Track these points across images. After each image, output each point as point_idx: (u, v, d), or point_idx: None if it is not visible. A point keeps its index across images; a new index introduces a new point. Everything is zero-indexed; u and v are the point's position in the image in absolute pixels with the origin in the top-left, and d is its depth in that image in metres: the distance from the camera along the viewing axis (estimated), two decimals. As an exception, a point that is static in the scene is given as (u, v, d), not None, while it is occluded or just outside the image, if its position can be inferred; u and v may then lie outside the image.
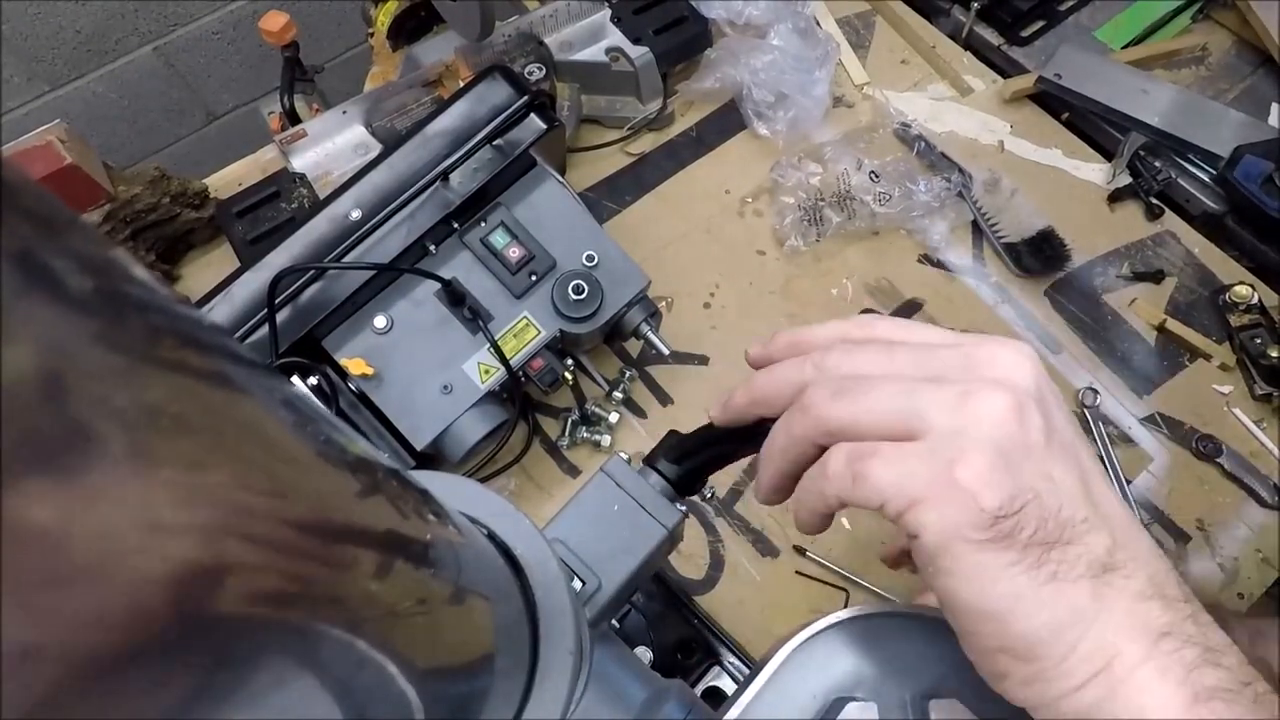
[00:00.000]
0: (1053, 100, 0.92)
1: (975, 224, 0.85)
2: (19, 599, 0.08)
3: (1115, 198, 0.86)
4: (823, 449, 0.28)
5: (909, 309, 0.81)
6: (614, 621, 0.60)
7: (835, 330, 0.30)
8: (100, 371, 0.09)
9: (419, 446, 0.62)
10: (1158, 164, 0.87)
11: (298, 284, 0.60)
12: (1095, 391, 0.77)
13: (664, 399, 0.76)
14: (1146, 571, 0.25)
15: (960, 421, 0.25)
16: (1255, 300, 0.79)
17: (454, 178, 0.64)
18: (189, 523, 0.10)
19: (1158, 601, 0.25)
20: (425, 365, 0.63)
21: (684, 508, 0.37)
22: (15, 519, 0.08)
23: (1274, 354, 0.76)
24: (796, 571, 0.69)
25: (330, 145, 0.79)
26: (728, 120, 0.90)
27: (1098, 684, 0.24)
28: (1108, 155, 0.89)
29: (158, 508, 0.10)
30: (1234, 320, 0.79)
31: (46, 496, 0.08)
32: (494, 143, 0.65)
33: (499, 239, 0.65)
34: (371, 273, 0.61)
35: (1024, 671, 0.25)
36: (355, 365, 0.61)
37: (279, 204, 0.75)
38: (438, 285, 0.63)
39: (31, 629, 0.08)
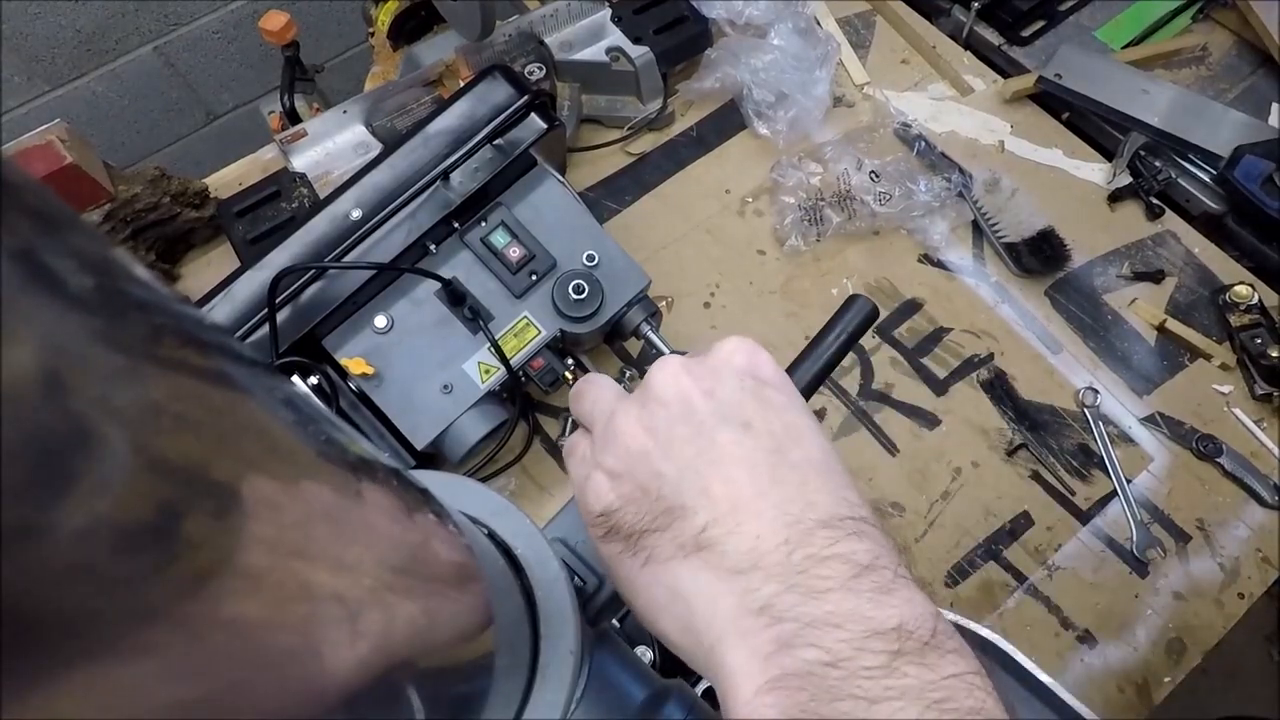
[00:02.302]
0: (1053, 100, 0.92)
1: (975, 224, 0.85)
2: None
3: (1115, 197, 0.86)
4: None
5: (909, 309, 0.81)
6: (614, 621, 0.60)
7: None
8: (101, 370, 0.09)
9: (419, 446, 0.62)
10: (1158, 164, 0.87)
11: (298, 283, 0.60)
12: (1095, 391, 0.77)
13: (664, 399, 0.76)
14: (746, 545, 0.26)
15: (603, 435, 0.30)
16: (1255, 300, 0.79)
17: (454, 177, 0.64)
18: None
19: (756, 574, 0.25)
20: (426, 365, 0.63)
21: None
22: (16, 520, 0.08)
23: (1274, 354, 0.76)
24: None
25: (330, 145, 0.79)
26: (728, 120, 0.90)
27: (710, 658, 0.26)
28: (1108, 155, 0.89)
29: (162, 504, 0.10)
30: (1234, 320, 0.79)
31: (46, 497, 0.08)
32: (494, 142, 0.65)
33: (499, 238, 0.65)
34: (372, 272, 0.61)
35: (681, 648, 0.27)
36: (355, 365, 0.61)
37: (279, 203, 0.75)
38: (438, 285, 0.62)
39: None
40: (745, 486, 0.27)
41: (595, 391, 0.33)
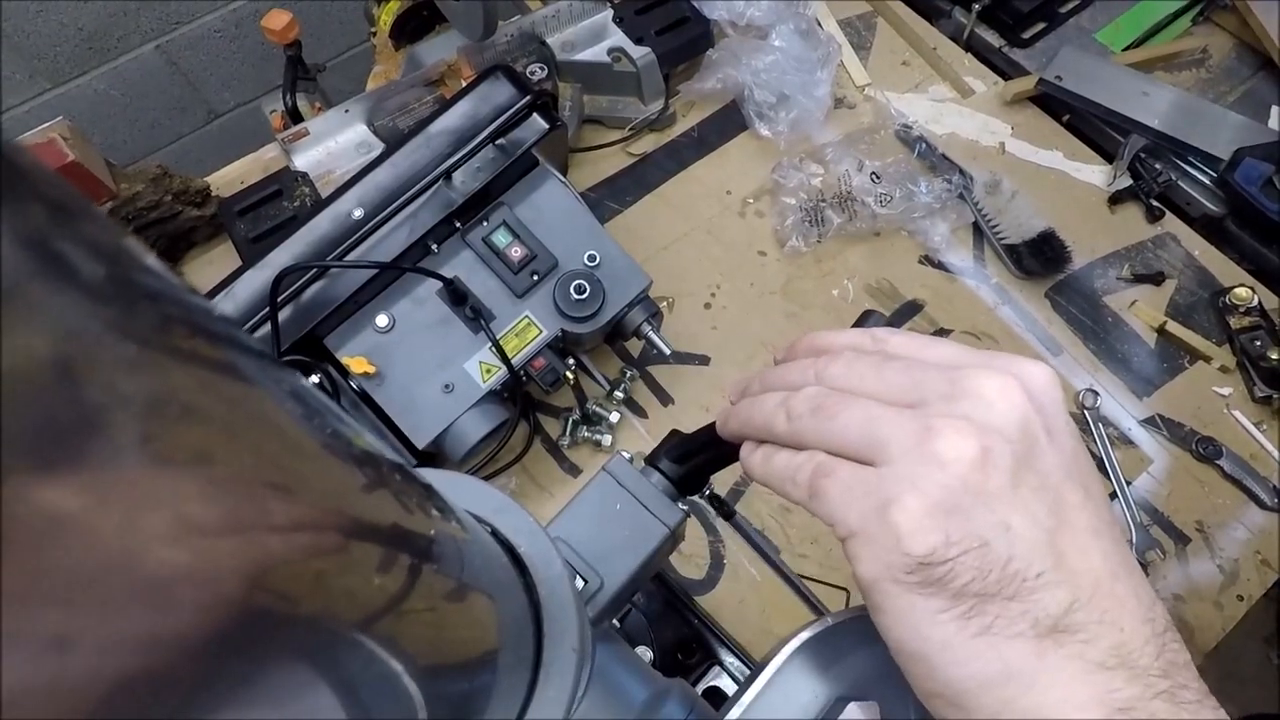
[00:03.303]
0: (1054, 102, 0.92)
1: (976, 225, 0.85)
2: (37, 588, 0.08)
3: (1116, 200, 0.87)
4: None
5: (909, 310, 0.81)
6: (615, 621, 0.60)
7: (851, 339, 0.30)
8: (112, 358, 0.09)
9: (420, 445, 0.62)
10: (1158, 166, 0.87)
11: (300, 282, 0.60)
12: (1095, 393, 0.77)
13: (665, 399, 0.76)
14: (1114, 638, 0.23)
15: (915, 458, 0.24)
16: (1255, 302, 0.79)
17: (456, 177, 0.64)
18: (196, 514, 0.10)
19: (1122, 673, 0.23)
20: (427, 364, 0.63)
21: (685, 507, 0.37)
22: (30, 506, 0.08)
23: (1274, 356, 0.76)
24: (796, 572, 0.69)
25: (332, 144, 0.79)
26: (729, 121, 0.90)
27: None
28: (1108, 157, 0.89)
29: (166, 498, 0.10)
30: (1234, 322, 0.79)
31: (63, 484, 0.08)
32: (496, 142, 0.65)
33: (501, 238, 0.66)
34: (373, 271, 0.61)
35: (957, 718, 0.25)
36: (357, 364, 0.61)
37: (281, 202, 0.75)
38: (440, 284, 0.63)
39: (51, 620, 0.08)
40: (1100, 564, 0.24)
41: (890, 377, 0.26)
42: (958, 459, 0.23)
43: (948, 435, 0.24)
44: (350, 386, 0.62)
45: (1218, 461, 0.74)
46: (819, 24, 0.94)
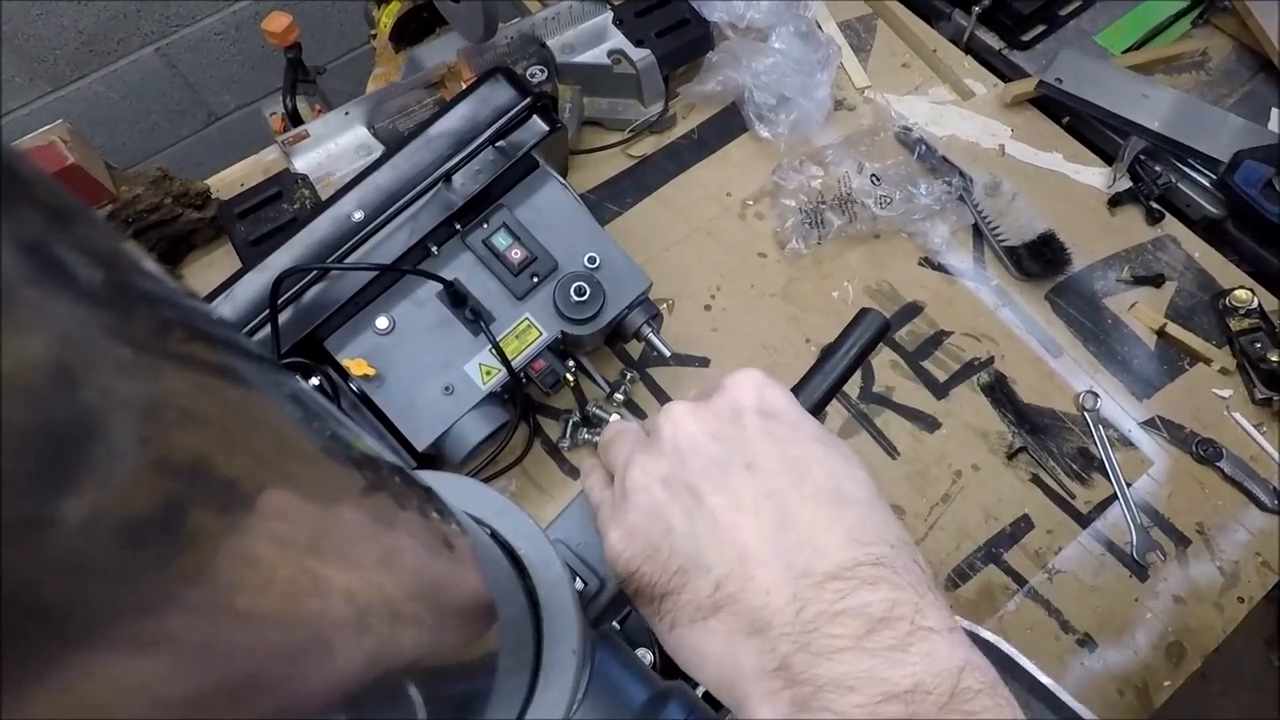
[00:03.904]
0: (1053, 104, 0.92)
1: (976, 227, 0.85)
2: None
3: (1115, 202, 0.87)
4: None
5: (909, 312, 0.81)
6: (615, 623, 0.60)
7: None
8: (109, 363, 0.09)
9: (420, 447, 0.62)
10: (1158, 168, 0.87)
11: (300, 285, 0.60)
12: (1095, 395, 0.77)
13: (665, 401, 0.76)
14: (758, 601, 0.25)
15: (619, 490, 0.30)
16: (1255, 305, 0.79)
17: (456, 179, 0.64)
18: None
19: (758, 639, 0.25)
20: (427, 366, 0.63)
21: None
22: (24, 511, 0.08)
23: (1274, 358, 0.76)
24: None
25: (332, 146, 0.79)
26: (729, 123, 0.90)
27: (742, 715, 0.25)
28: (1108, 159, 0.89)
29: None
30: (1234, 324, 0.79)
31: (70, 490, 0.08)
32: (496, 144, 0.65)
33: (501, 240, 0.66)
34: (374, 274, 0.61)
35: (726, 704, 0.26)
36: (357, 366, 0.61)
37: (281, 205, 0.75)
38: (440, 286, 0.63)
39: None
40: (750, 534, 0.26)
41: (619, 440, 0.32)
42: (639, 486, 0.29)
43: (635, 463, 0.29)
44: (350, 389, 0.62)
45: (1218, 463, 0.74)
46: (819, 26, 0.94)
